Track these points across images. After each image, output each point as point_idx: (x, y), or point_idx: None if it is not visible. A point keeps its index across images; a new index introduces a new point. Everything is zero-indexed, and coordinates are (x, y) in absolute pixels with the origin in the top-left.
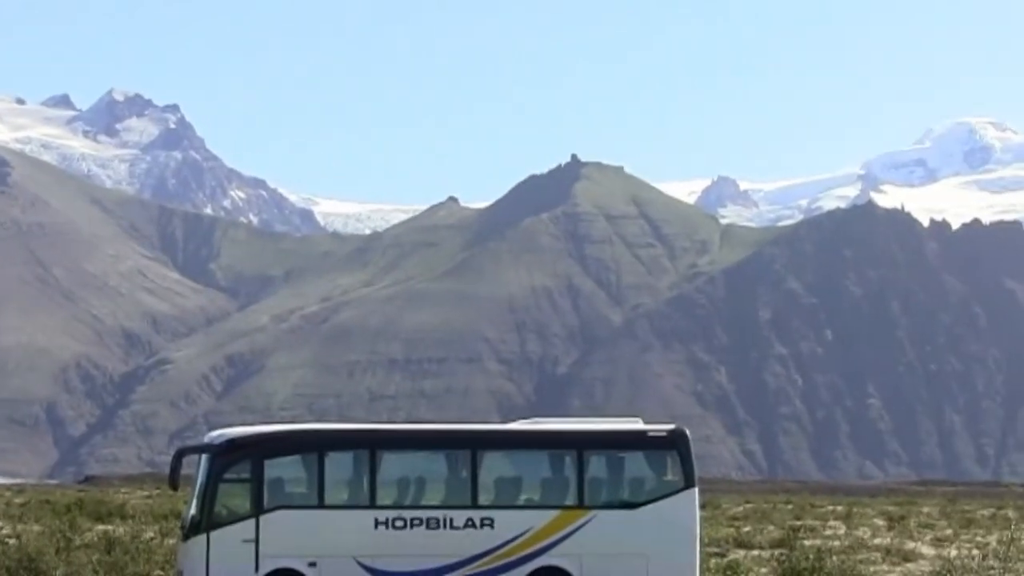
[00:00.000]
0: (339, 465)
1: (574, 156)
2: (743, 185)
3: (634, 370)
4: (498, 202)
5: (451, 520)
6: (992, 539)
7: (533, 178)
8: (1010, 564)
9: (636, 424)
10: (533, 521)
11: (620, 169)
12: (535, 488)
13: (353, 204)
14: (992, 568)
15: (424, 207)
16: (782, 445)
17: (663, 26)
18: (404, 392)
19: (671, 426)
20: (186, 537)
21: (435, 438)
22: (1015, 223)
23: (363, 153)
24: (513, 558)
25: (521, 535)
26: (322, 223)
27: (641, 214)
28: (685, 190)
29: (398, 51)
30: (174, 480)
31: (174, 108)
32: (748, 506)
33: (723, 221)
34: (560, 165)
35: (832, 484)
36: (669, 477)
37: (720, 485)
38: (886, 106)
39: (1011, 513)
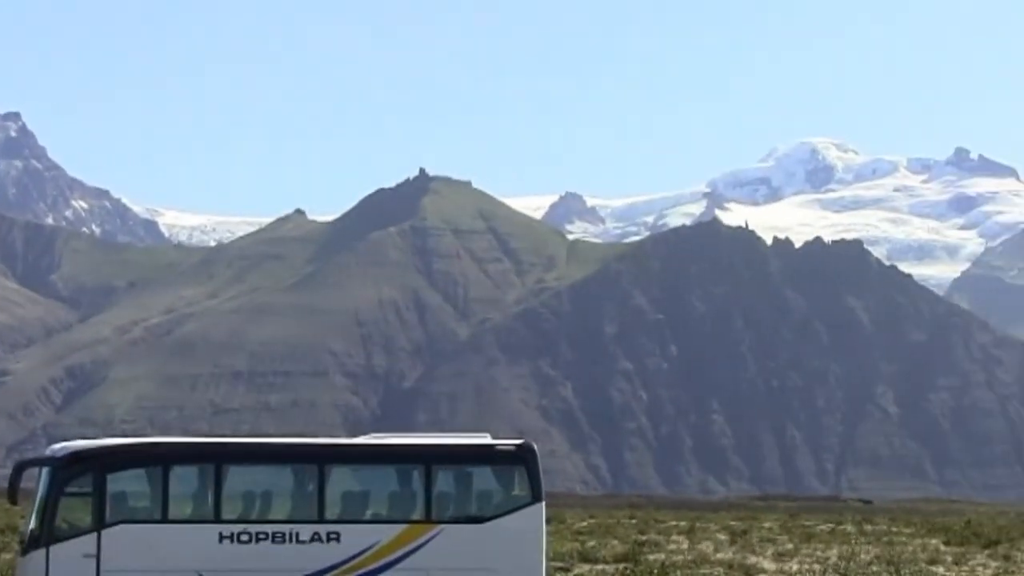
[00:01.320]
0: (183, 479)
1: (422, 170)
2: (590, 201)
3: (480, 385)
4: (345, 215)
5: (297, 534)
6: (832, 554)
7: (381, 192)
8: None
9: (484, 439)
10: (380, 535)
11: (468, 184)
12: (382, 503)
13: (198, 216)
14: None
15: (270, 219)
16: (627, 460)
17: (509, 42)
18: (249, 405)
19: (519, 441)
20: (25, 552)
21: (281, 452)
22: (856, 242)
23: (209, 164)
24: (360, 572)
25: (368, 549)
26: (166, 234)
27: (489, 229)
28: (532, 205)
29: (244, 62)
30: (13, 494)
31: (15, 116)
32: (593, 521)
33: (570, 237)
34: (408, 179)
35: (676, 499)
36: (517, 492)
37: (565, 499)
38: (731, 125)
39: (850, 528)
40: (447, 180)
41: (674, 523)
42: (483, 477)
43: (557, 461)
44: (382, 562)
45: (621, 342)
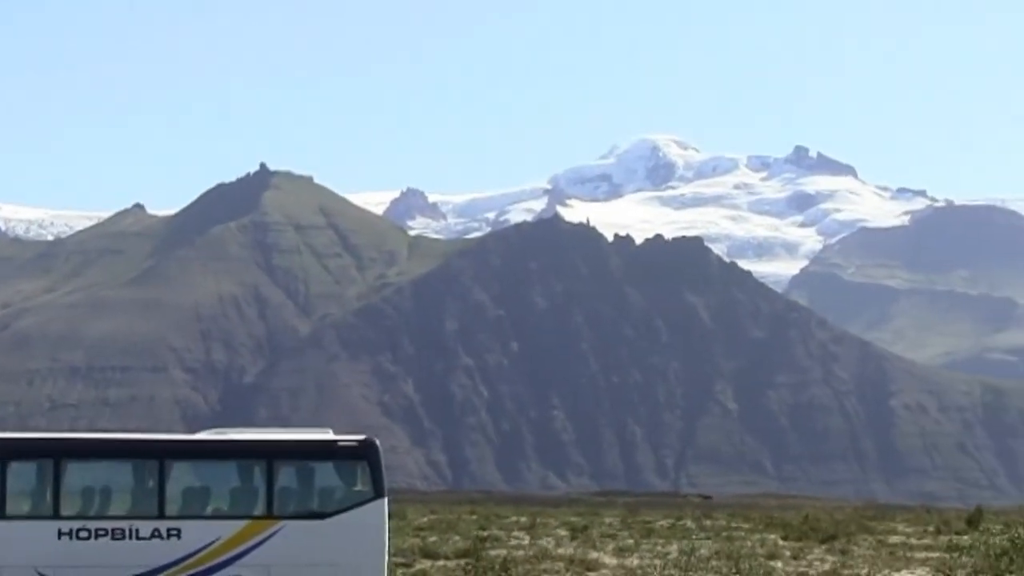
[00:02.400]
0: (21, 475)
1: (263, 165)
2: (432, 197)
3: (321, 380)
4: (185, 210)
5: (137, 530)
6: (672, 549)
7: (221, 186)
8: (690, 573)
9: (326, 434)
10: (221, 531)
11: (309, 179)
12: (223, 498)
13: (36, 209)
14: None
15: (110, 214)
16: (468, 456)
17: (349, 35)
18: (87, 401)
19: (361, 436)
20: None
21: (121, 448)
22: (696, 239)
23: (47, 158)
24: (200, 568)
25: (208, 545)
26: (3, 228)
27: (330, 224)
28: (374, 201)
29: (83, 54)
30: None
31: None
32: (434, 516)
33: (411, 233)
34: (249, 174)
35: (517, 494)
36: (359, 487)
37: (406, 495)
38: (572, 121)
39: (690, 523)
40: (288, 175)
41: (515, 519)
42: (325, 473)
43: (398, 457)
44: (223, 558)
45: (462, 338)
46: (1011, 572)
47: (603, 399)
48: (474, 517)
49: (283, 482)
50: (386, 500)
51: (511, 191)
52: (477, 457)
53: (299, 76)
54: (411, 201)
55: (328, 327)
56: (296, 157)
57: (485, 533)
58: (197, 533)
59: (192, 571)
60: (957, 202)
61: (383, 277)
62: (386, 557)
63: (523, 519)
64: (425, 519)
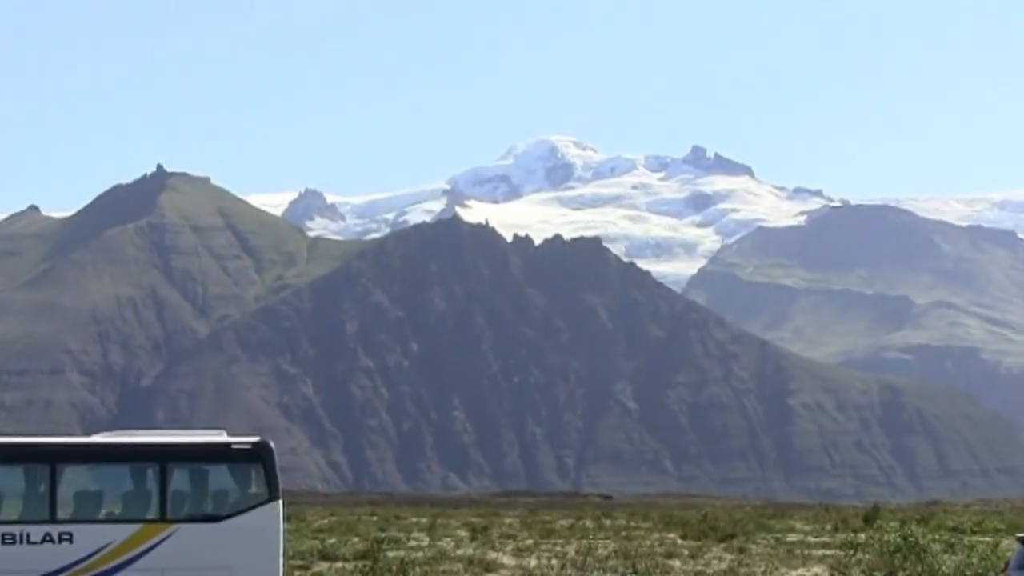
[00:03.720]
0: None
1: (160, 166)
2: (330, 198)
3: (220, 382)
4: (82, 211)
5: (28, 535)
6: (571, 549)
7: (118, 188)
8: (587, 573)
9: (220, 436)
10: (113, 535)
11: (207, 180)
12: (116, 502)
13: None
14: None
15: (4, 216)
16: (368, 457)
17: (247, 37)
18: None
19: (256, 438)
20: None
21: (12, 451)
22: (595, 239)
23: None
24: (93, 573)
25: (101, 550)
26: None
27: (228, 226)
28: (272, 202)
29: None
30: None
31: None
32: (333, 518)
33: (310, 234)
34: (145, 175)
35: (417, 495)
36: (253, 490)
37: (306, 497)
38: (471, 122)
39: (589, 523)
40: (185, 176)
41: (415, 520)
42: (219, 475)
43: (298, 459)
44: (116, 562)
45: (362, 339)
46: (904, 569)
47: (503, 400)
48: (374, 519)
49: (176, 485)
50: (281, 502)
51: (410, 192)
52: (377, 458)
53: (196, 77)
54: (310, 202)
55: (227, 329)
56: (193, 158)
57: (384, 535)
58: (89, 537)
59: (86, 575)
60: (853, 202)
61: (282, 278)
62: (281, 560)
63: (423, 520)
64: (325, 521)
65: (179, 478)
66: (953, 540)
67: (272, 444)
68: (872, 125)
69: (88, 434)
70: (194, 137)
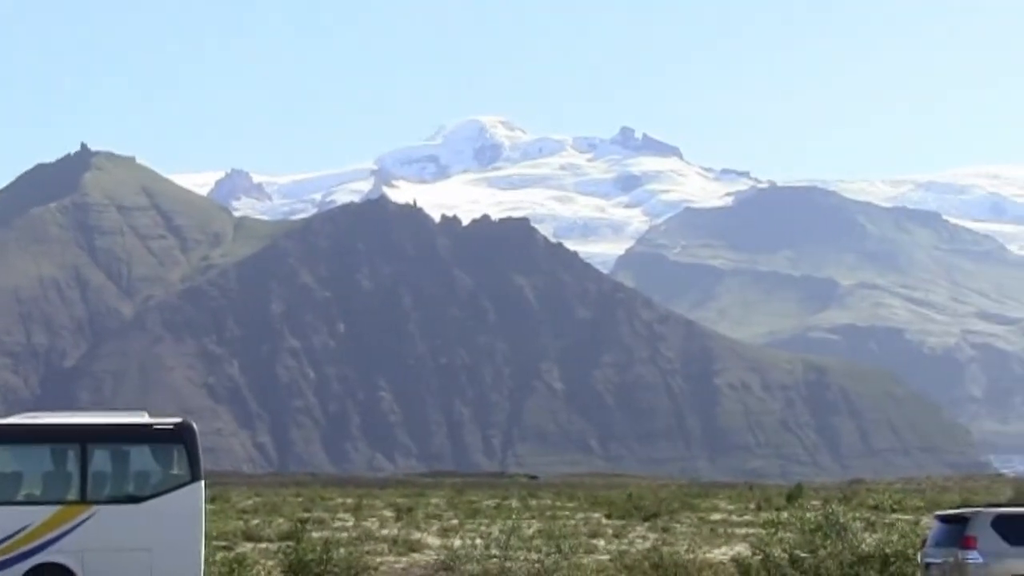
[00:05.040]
0: None
1: (84, 145)
2: (257, 178)
3: (145, 363)
4: (4, 190)
5: None
6: (496, 528)
7: (41, 167)
8: (511, 552)
9: (142, 417)
10: (32, 517)
11: (131, 159)
12: (36, 483)
13: None
14: (494, 556)
15: None
16: (294, 438)
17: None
18: None
19: (178, 419)
20: None
21: None
22: (523, 220)
23: None
24: (10, 555)
25: (19, 532)
26: None
27: (153, 205)
28: (198, 182)
29: None
30: None
31: None
32: (258, 499)
33: (236, 214)
34: (69, 154)
35: (343, 476)
36: (175, 471)
37: (231, 478)
38: (399, 102)
39: (515, 503)
40: (110, 155)
41: (340, 501)
42: (141, 456)
43: (223, 440)
44: (35, 544)
45: (288, 320)
46: (825, 547)
47: (430, 380)
48: (299, 499)
49: (97, 466)
50: (203, 483)
51: (337, 172)
52: (303, 439)
53: (120, 55)
54: (236, 182)
55: (152, 309)
56: (118, 137)
57: (309, 515)
58: (8, 519)
59: (3, 557)
60: (780, 183)
61: (208, 259)
62: (202, 541)
63: (349, 501)
64: (250, 502)
65: (100, 459)
66: (874, 518)
67: (194, 425)
68: (800, 107)
69: (9, 415)
70: (119, 116)
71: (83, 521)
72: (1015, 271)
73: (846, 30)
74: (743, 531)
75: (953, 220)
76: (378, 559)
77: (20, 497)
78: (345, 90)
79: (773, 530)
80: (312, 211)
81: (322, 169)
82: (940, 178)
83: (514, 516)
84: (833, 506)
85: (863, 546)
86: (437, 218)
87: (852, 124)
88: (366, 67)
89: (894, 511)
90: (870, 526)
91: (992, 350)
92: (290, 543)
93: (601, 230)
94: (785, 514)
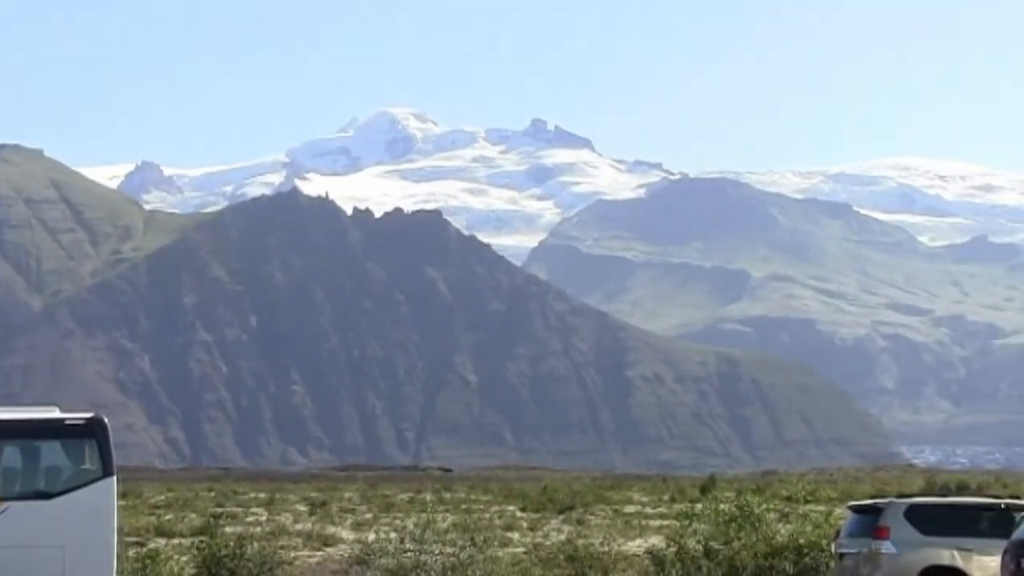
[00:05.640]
0: None
1: None
2: (167, 171)
3: (55, 357)
4: None
5: None
6: (410, 522)
7: None
8: (426, 546)
9: (52, 412)
10: None
11: (40, 152)
12: None
13: None
14: (409, 550)
15: None
16: (206, 432)
17: (78, 8)
18: None
19: (89, 414)
20: None
21: None
22: (435, 212)
23: None
24: None
25: None
26: None
27: (62, 198)
28: (108, 175)
29: None
30: None
31: None
32: (171, 494)
33: (147, 207)
34: None
35: (256, 470)
36: (87, 466)
37: (143, 473)
38: (310, 94)
39: (429, 496)
40: (17, 148)
41: (253, 495)
42: (51, 452)
43: (135, 435)
44: None
45: (200, 313)
46: (739, 538)
47: (343, 373)
48: (212, 494)
49: (6, 462)
50: (115, 479)
51: (249, 164)
52: (216, 433)
53: (28, 47)
54: (146, 175)
55: (61, 303)
56: (25, 130)
57: (222, 510)
58: None
59: None
60: (692, 175)
61: (118, 252)
62: (115, 537)
63: (262, 495)
64: (162, 497)
65: (9, 455)
66: (787, 509)
67: (106, 419)
68: (711, 99)
69: None
70: (27, 109)
71: None
72: (926, 262)
73: (756, 22)
74: (657, 523)
75: (864, 211)
76: (292, 554)
77: None
78: (256, 82)
79: (687, 522)
80: (223, 204)
81: (233, 162)
82: (850, 170)
83: (428, 509)
84: (747, 497)
85: (777, 537)
86: (349, 211)
87: (763, 116)
88: (277, 59)
89: (807, 502)
90: (784, 517)
91: (903, 341)
92: (203, 538)
93: (514, 222)
94: (699, 506)
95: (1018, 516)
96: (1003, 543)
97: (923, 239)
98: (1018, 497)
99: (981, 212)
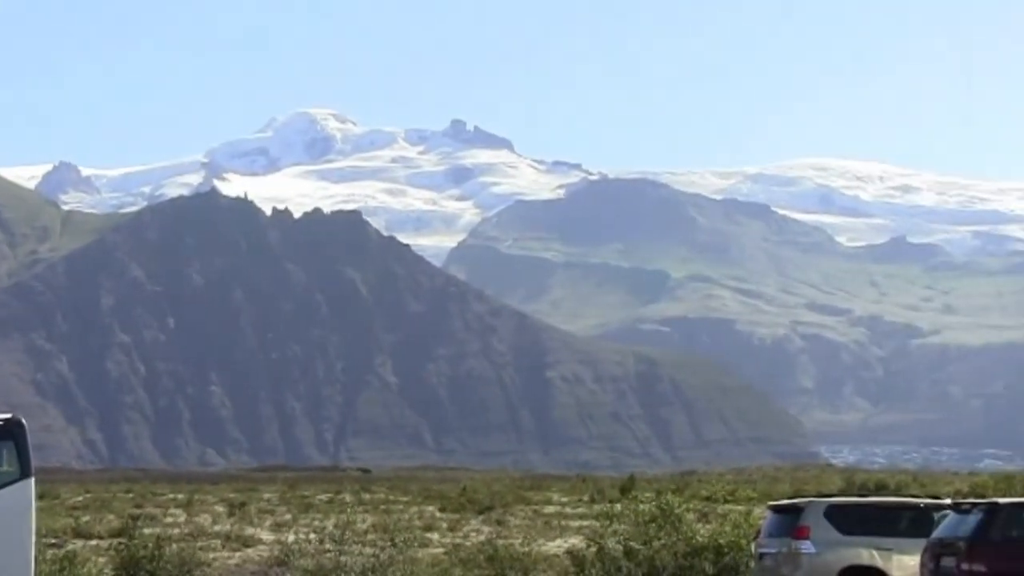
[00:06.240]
0: None
1: None
2: (85, 171)
3: None
4: None
5: None
6: (330, 523)
7: None
8: (345, 547)
9: None
10: None
11: None
12: None
13: None
14: (328, 551)
15: None
16: (125, 433)
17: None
18: None
19: (7, 415)
20: None
21: None
22: (355, 213)
23: None
24: None
25: None
26: None
27: None
28: (25, 175)
29: None
30: None
31: None
32: (89, 495)
33: (65, 207)
34: None
35: (174, 472)
36: (4, 468)
37: (60, 475)
38: (229, 95)
39: (348, 497)
40: None
41: (172, 496)
42: None
43: (53, 436)
44: None
45: (118, 314)
46: (659, 538)
47: (262, 374)
48: (130, 496)
49: None
50: (33, 480)
51: (167, 165)
52: (134, 435)
53: None
54: (64, 175)
55: None
56: None
57: (140, 512)
58: None
59: None
60: (611, 175)
61: (35, 253)
62: (33, 539)
63: (180, 497)
64: (79, 498)
65: None
66: (707, 509)
67: (24, 421)
68: (631, 99)
69: None
70: None
71: None
72: (844, 262)
73: (674, 24)
74: (577, 523)
75: (783, 212)
76: (211, 555)
77: None
78: (175, 83)
79: (607, 522)
80: (142, 204)
81: (152, 162)
82: (769, 170)
83: (348, 510)
84: (667, 497)
85: (697, 537)
86: (268, 211)
87: (682, 117)
88: (196, 59)
89: (727, 502)
90: (704, 517)
91: (822, 341)
92: (122, 540)
93: (433, 223)
94: (619, 506)
95: (937, 515)
96: (922, 542)
97: (841, 239)
98: (936, 497)
99: (899, 213)
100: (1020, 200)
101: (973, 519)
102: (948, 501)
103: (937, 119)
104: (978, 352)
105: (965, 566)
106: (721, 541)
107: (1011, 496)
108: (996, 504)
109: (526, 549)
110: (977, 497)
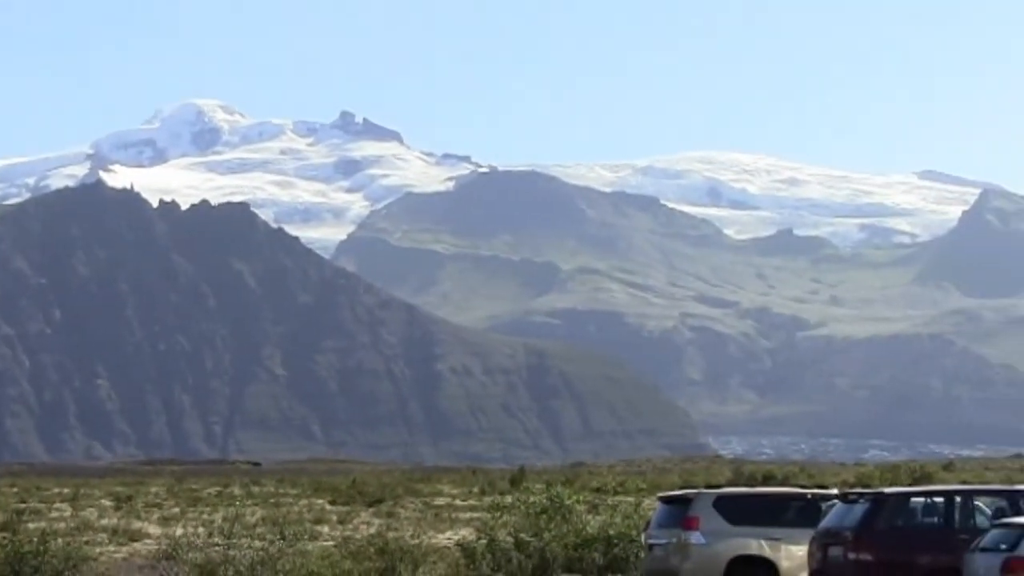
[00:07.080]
0: None
1: None
2: None
3: None
4: None
5: None
6: (218, 516)
7: None
8: (234, 540)
9: None
10: None
11: None
12: None
13: None
14: (217, 544)
15: None
16: (9, 428)
17: None
18: None
19: None
20: None
21: None
22: (242, 204)
23: None
24: None
25: None
26: None
27: None
28: None
29: None
30: None
31: None
32: None
33: None
34: None
35: (60, 466)
36: None
37: None
38: (114, 85)
39: (237, 490)
40: None
41: (57, 491)
42: None
43: None
44: None
45: (2, 307)
46: (550, 530)
47: (149, 367)
48: (14, 490)
49: None
50: None
51: (52, 156)
52: (18, 429)
53: None
54: None
55: None
56: None
57: (24, 506)
58: None
59: None
60: (501, 168)
61: None
62: None
63: (66, 491)
64: None
65: None
66: (597, 501)
67: None
68: (520, 92)
69: None
70: None
71: None
72: (732, 255)
73: (562, 17)
74: (468, 515)
75: (671, 204)
76: (98, 549)
77: None
78: (59, 72)
79: (498, 514)
80: (26, 196)
81: (35, 153)
82: (657, 163)
83: (237, 503)
84: (557, 489)
85: (587, 528)
86: (155, 203)
87: (571, 109)
88: (80, 48)
89: (617, 493)
90: (593, 508)
91: (710, 333)
92: (5, 535)
93: (322, 215)
94: (509, 498)
95: (824, 506)
96: (810, 532)
97: (729, 232)
98: (824, 487)
99: (786, 206)
100: (905, 194)
101: (860, 509)
102: (835, 491)
103: (824, 113)
104: (864, 344)
105: (852, 555)
106: (611, 532)
107: (896, 486)
108: (882, 494)
109: (417, 541)
110: (863, 487)
